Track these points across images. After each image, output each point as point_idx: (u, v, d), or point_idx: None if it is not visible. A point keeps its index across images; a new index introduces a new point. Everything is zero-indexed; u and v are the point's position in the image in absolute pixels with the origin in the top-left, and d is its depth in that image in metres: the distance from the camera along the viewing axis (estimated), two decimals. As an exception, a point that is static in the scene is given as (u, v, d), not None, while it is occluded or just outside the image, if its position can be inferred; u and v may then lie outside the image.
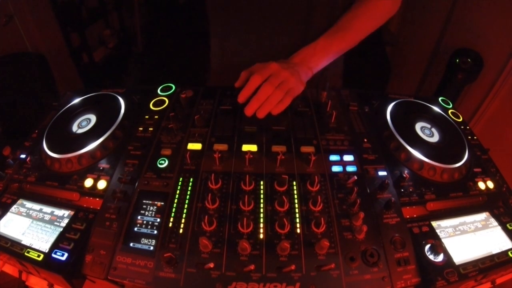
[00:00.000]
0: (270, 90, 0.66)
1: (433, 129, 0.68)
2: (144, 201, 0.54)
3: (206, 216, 0.48)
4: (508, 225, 0.55)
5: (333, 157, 0.60)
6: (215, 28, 0.87)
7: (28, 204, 0.56)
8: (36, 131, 0.71)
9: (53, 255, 0.48)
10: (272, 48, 0.81)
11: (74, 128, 0.67)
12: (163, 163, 0.59)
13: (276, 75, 0.66)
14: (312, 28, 0.77)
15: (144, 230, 0.50)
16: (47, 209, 0.55)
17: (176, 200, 0.53)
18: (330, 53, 0.74)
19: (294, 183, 0.56)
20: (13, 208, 0.56)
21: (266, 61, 0.69)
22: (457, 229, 0.54)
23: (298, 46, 0.76)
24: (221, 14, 0.82)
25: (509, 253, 0.51)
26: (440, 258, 0.49)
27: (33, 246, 0.50)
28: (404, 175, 0.57)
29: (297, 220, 0.51)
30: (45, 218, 0.54)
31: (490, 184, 0.61)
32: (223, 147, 0.62)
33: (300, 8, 0.75)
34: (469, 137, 0.71)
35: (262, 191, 0.54)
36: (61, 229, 0.52)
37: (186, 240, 0.49)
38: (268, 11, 0.76)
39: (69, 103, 0.74)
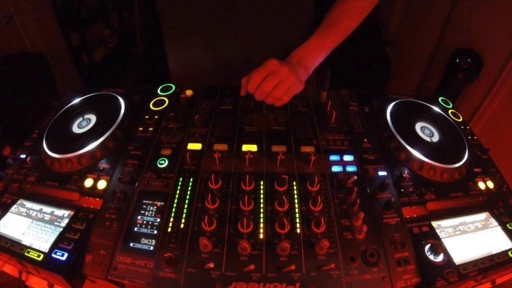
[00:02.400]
0: (269, 88, 0.67)
1: (433, 129, 0.68)
2: (144, 201, 0.54)
3: (206, 216, 0.48)
4: (508, 225, 0.55)
5: (333, 157, 0.60)
6: (168, 33, 0.85)
7: (28, 204, 0.56)
8: (36, 131, 0.71)
9: (53, 255, 0.48)
10: (254, 48, 0.81)
11: (74, 128, 0.67)
12: (163, 163, 0.59)
13: (275, 72, 0.66)
14: (276, 31, 0.79)
15: (144, 230, 0.50)
16: (47, 209, 0.55)
17: (176, 200, 0.53)
18: (324, 50, 0.75)
19: (294, 183, 0.56)
20: (13, 208, 0.56)
21: (250, 62, 0.69)
22: (457, 229, 0.54)
23: (263, 50, 0.77)
24: (177, 19, 0.81)
25: (509, 253, 0.51)
26: (440, 258, 0.49)
27: (33, 246, 0.50)
28: (404, 175, 0.57)
29: (297, 220, 0.51)
30: (45, 218, 0.54)
31: (490, 184, 0.61)
32: (223, 147, 0.61)
33: (263, 11, 0.76)
34: (469, 137, 0.71)
35: (262, 191, 0.54)
36: (61, 229, 0.52)
37: (186, 240, 0.49)
38: (233, 12, 0.76)
39: (69, 103, 0.74)
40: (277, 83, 0.66)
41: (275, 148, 0.61)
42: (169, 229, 0.50)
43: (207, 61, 0.84)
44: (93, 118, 0.68)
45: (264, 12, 0.76)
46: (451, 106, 0.80)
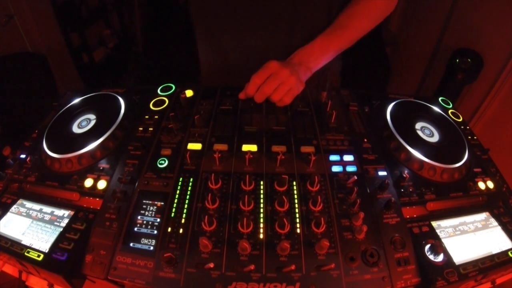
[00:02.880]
0: (269, 91, 0.66)
1: (433, 129, 0.68)
2: (144, 201, 0.54)
3: (206, 216, 0.48)
4: (508, 225, 0.55)
5: (333, 157, 0.60)
6: (201, 31, 0.86)
7: (28, 204, 0.56)
8: (36, 131, 0.71)
9: (53, 255, 0.48)
10: (260, 49, 0.80)
11: (74, 128, 0.67)
12: (163, 163, 0.59)
13: (276, 74, 0.66)
14: (297, 28, 0.77)
15: (144, 230, 0.50)
16: (47, 209, 0.55)
17: (176, 200, 0.53)
18: (328, 52, 0.74)
19: (294, 183, 0.56)
20: (13, 208, 0.56)
21: (254, 62, 0.68)
22: (457, 229, 0.54)
23: (283, 47, 0.76)
24: (205, 17, 0.81)
25: (509, 253, 0.51)
26: (440, 258, 0.49)
27: (33, 246, 0.50)
28: (404, 175, 0.57)
29: (297, 220, 0.51)
30: (45, 218, 0.54)
31: (490, 184, 0.61)
32: (223, 147, 0.61)
33: (285, 7, 0.74)
34: (469, 137, 0.71)
35: (262, 191, 0.54)
36: (61, 229, 0.52)
37: (186, 240, 0.49)
38: (253, 11, 0.75)
39: (69, 103, 0.74)
40: (277, 86, 0.66)
41: (275, 148, 0.61)
42: (169, 229, 0.50)
43: (238, 61, 0.83)
44: (93, 118, 0.68)
45: (280, 12, 0.75)
46: (451, 106, 0.80)
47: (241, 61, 0.82)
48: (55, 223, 0.53)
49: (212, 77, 0.92)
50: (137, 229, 0.50)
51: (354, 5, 0.74)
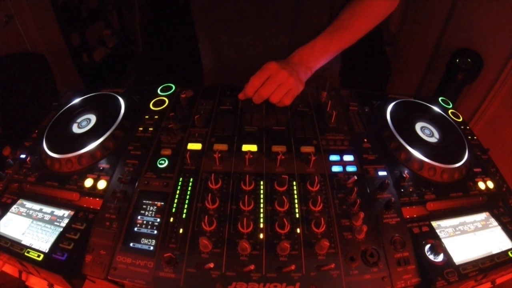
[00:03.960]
0: (267, 93, 0.66)
1: (433, 129, 0.68)
2: (144, 201, 0.54)
3: (206, 216, 0.48)
4: (508, 225, 0.55)
5: (333, 157, 0.60)
6: (202, 31, 0.86)
7: (28, 204, 0.56)
8: (36, 131, 0.71)
9: (53, 255, 0.48)
10: (261, 49, 0.80)
11: (74, 128, 0.67)
12: (163, 163, 0.59)
13: (274, 76, 0.66)
14: (299, 28, 0.77)
15: (144, 230, 0.50)
16: (47, 209, 0.55)
17: (176, 200, 0.53)
18: (329, 52, 0.74)
19: (294, 183, 0.56)
20: (13, 208, 0.56)
21: (256, 62, 0.68)
22: (457, 229, 0.54)
23: (285, 46, 0.75)
24: (207, 16, 0.81)
25: (509, 253, 0.51)
26: (440, 258, 0.49)
27: (33, 246, 0.50)
28: (404, 175, 0.57)
29: (297, 220, 0.51)
30: (45, 218, 0.54)
31: (490, 184, 0.61)
32: (223, 147, 0.61)
33: (287, 7, 0.74)
34: (469, 137, 0.71)
35: (262, 191, 0.54)
36: (61, 229, 0.52)
37: (186, 240, 0.49)
38: (254, 11, 0.75)
39: (69, 103, 0.74)
40: (276, 88, 0.66)
41: (275, 148, 0.61)
42: (169, 229, 0.50)
43: (236, 61, 0.83)
44: (93, 118, 0.68)
45: (283, 11, 0.75)
46: (451, 106, 0.80)
47: (242, 61, 0.82)
48: (55, 223, 0.53)
49: (214, 77, 0.92)
50: (137, 229, 0.50)
51: (355, 5, 0.74)
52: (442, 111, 0.74)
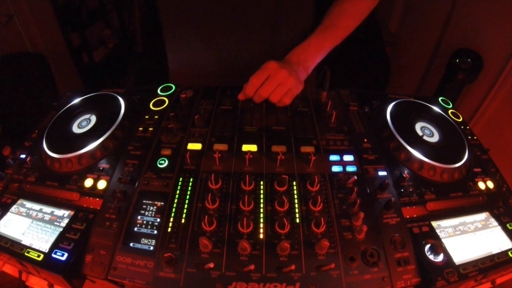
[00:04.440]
0: (267, 93, 0.66)
1: (433, 129, 0.68)
2: (144, 201, 0.54)
3: (206, 216, 0.48)
4: (508, 225, 0.55)
5: (333, 157, 0.60)
6: (171, 35, 0.84)
7: (28, 204, 0.56)
8: (36, 131, 0.71)
9: (53, 255, 0.48)
10: (239, 51, 0.80)
11: (74, 128, 0.67)
12: (163, 163, 0.59)
13: (274, 76, 0.66)
14: (281, 29, 0.78)
15: (144, 230, 0.50)
16: (47, 209, 0.55)
17: (176, 200, 0.53)
18: (324, 50, 0.75)
19: (294, 183, 0.56)
20: (13, 208, 0.56)
21: (234, 65, 0.69)
22: (457, 229, 0.54)
23: (264, 48, 0.76)
24: (177, 20, 0.80)
25: (509, 253, 0.51)
26: (440, 258, 0.49)
27: (33, 246, 0.50)
28: (404, 175, 0.57)
29: (297, 220, 0.51)
30: (45, 218, 0.54)
31: (490, 184, 0.61)
32: (223, 147, 0.61)
33: (265, 9, 0.75)
34: (469, 137, 0.71)
35: (262, 191, 0.54)
36: (61, 229, 0.52)
37: (186, 240, 0.49)
38: (228, 13, 0.75)
39: (69, 103, 0.74)
40: (275, 87, 0.66)
41: (275, 148, 0.61)
42: (169, 229, 0.50)
43: (209, 62, 0.83)
44: (93, 118, 0.68)
45: (265, 12, 0.76)
46: (451, 106, 0.80)
47: (218, 65, 0.82)
48: (55, 223, 0.53)
49: (208, 78, 0.91)
50: (137, 229, 0.50)
51: (343, 3, 0.76)
52: (442, 111, 0.74)
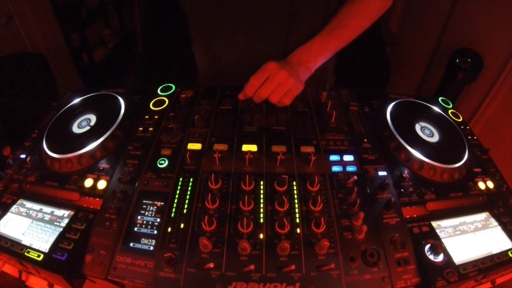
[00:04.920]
0: (266, 93, 0.66)
1: (433, 129, 0.68)
2: (144, 201, 0.54)
3: (206, 216, 0.48)
4: (508, 225, 0.55)
5: (333, 157, 0.60)
6: (196, 32, 0.85)
7: (28, 204, 0.56)
8: (36, 131, 0.71)
9: (53, 255, 0.48)
10: (257, 51, 0.80)
11: (74, 128, 0.67)
12: (163, 163, 0.59)
13: (273, 76, 0.66)
14: (295, 28, 0.77)
15: (144, 230, 0.50)
16: (47, 209, 0.55)
17: (176, 200, 0.53)
18: (327, 51, 0.74)
19: (294, 183, 0.56)
20: (13, 208, 0.56)
21: (252, 63, 0.68)
22: (457, 229, 0.54)
23: (280, 47, 0.75)
24: (201, 18, 0.80)
25: (509, 253, 0.51)
26: (440, 258, 0.49)
27: (33, 246, 0.50)
28: (404, 175, 0.57)
29: (297, 220, 0.51)
30: (45, 218, 0.54)
31: (490, 184, 0.61)
32: (223, 147, 0.61)
33: (282, 8, 0.74)
34: (469, 137, 0.71)
35: (262, 191, 0.54)
36: (61, 229, 0.52)
37: (186, 240, 0.49)
38: (249, 13, 0.75)
39: (69, 103, 0.74)
40: (275, 88, 0.66)
41: (275, 148, 0.61)
42: (169, 229, 0.50)
43: (231, 61, 0.83)
44: (93, 118, 0.68)
45: (278, 11, 0.75)
46: (451, 106, 0.80)
47: (238, 62, 0.82)
48: (55, 223, 0.53)
49: (209, 79, 0.92)
50: (137, 229, 0.50)
51: (352, 4, 0.74)
52: (442, 111, 0.74)
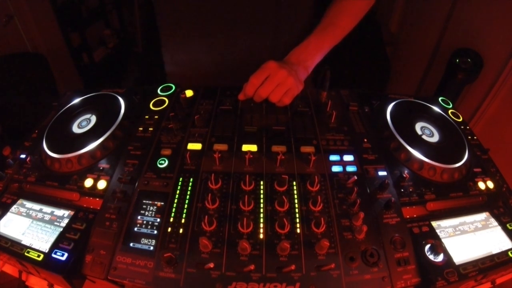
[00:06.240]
0: (266, 93, 0.66)
1: (433, 129, 0.68)
2: (144, 201, 0.54)
3: (206, 216, 0.48)
4: (508, 225, 0.55)
5: (333, 157, 0.60)
6: (169, 35, 0.84)
7: (28, 204, 0.56)
8: (36, 131, 0.71)
9: (53, 255, 0.48)
10: (241, 52, 0.80)
11: (74, 128, 0.67)
12: (163, 163, 0.59)
13: (273, 76, 0.66)
14: (283, 29, 0.78)
15: (144, 230, 0.50)
16: (47, 209, 0.55)
17: (176, 200, 0.53)
18: (323, 49, 0.75)
19: (294, 183, 0.56)
20: (13, 208, 0.56)
21: (236, 66, 0.69)
22: (457, 229, 0.54)
23: (267, 49, 0.76)
24: (177, 21, 0.79)
25: (509, 253, 0.51)
26: (440, 258, 0.49)
27: (33, 246, 0.50)
28: (404, 175, 0.57)
29: (297, 220, 0.51)
30: (45, 218, 0.54)
31: (490, 184, 0.61)
32: (223, 147, 0.61)
33: (267, 9, 0.75)
34: (469, 137, 0.71)
35: (262, 191, 0.54)
36: (61, 229, 0.52)
37: (186, 240, 0.49)
38: (230, 14, 0.75)
39: (69, 103, 0.74)
40: (275, 87, 0.66)
41: (275, 148, 0.61)
42: (169, 229, 0.50)
43: (208, 63, 0.83)
44: (93, 118, 0.68)
45: (266, 12, 0.76)
46: (451, 106, 0.80)
47: (220, 66, 0.82)
48: (55, 223, 0.53)
49: (207, 79, 0.91)
50: (137, 229, 0.50)
51: (340, 2, 0.76)
52: (442, 111, 0.74)
